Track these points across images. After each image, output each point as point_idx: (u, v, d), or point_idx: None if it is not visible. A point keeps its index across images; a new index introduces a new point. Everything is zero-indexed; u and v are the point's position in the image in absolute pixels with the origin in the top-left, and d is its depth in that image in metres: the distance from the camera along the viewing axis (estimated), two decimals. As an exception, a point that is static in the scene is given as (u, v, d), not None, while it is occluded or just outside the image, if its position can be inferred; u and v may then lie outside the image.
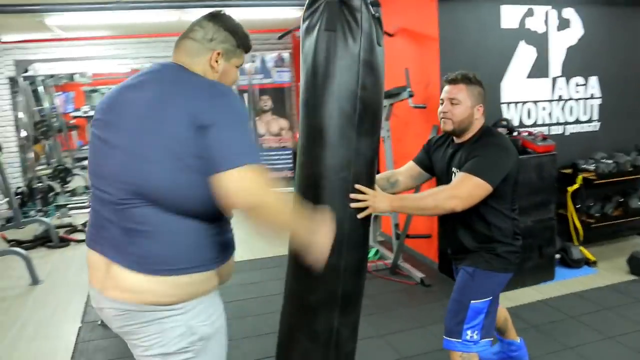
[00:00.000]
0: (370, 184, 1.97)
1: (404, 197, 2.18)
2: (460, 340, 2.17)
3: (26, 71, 6.56)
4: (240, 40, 1.64)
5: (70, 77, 11.20)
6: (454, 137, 2.29)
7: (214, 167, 1.39)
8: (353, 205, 1.89)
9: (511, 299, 3.56)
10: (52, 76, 9.21)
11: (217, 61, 1.58)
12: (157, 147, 1.41)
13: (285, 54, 7.34)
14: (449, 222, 2.26)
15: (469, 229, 2.22)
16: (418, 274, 4.05)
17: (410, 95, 3.93)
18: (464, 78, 2.20)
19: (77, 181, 7.97)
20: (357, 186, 1.90)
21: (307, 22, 1.93)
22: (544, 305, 3.56)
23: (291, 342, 2.04)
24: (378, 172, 2.19)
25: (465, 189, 2.06)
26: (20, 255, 4.55)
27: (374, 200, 1.93)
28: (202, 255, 1.52)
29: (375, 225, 4.81)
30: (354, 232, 1.94)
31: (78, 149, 12.61)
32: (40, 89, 8.28)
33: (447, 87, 2.24)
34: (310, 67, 1.90)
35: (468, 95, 2.19)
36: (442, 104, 2.25)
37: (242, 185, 1.40)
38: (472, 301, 2.16)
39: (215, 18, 1.62)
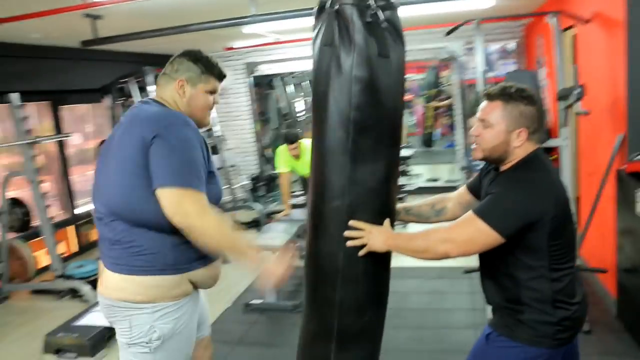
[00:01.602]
0: (376, 216, 1.75)
1: (398, 235, 1.77)
2: None
3: (252, 72, 7.33)
4: (205, 66, 1.86)
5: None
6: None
7: (153, 184, 1.65)
8: (349, 243, 1.72)
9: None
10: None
11: (182, 87, 1.84)
12: (117, 170, 1.71)
13: (511, 45, 6.60)
14: (480, 266, 1.82)
15: (494, 281, 1.76)
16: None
17: (578, 98, 3.15)
18: (501, 93, 1.68)
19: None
20: (352, 222, 1.71)
21: (314, 34, 1.77)
22: None
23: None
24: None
25: (464, 233, 1.65)
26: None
27: (369, 236, 1.71)
28: (164, 261, 1.73)
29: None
30: (351, 267, 1.76)
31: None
32: (291, 87, 9.55)
33: (481, 104, 1.75)
34: (312, 86, 1.82)
35: (504, 115, 1.67)
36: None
37: (174, 205, 1.63)
38: None
39: (183, 54, 1.88)
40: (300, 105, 10.63)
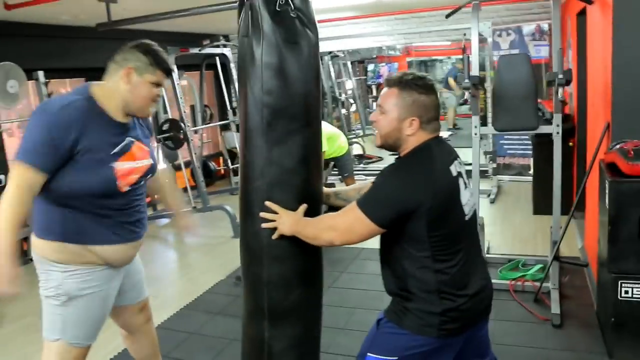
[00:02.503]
0: (296, 196, 1.84)
1: (302, 221, 1.80)
2: None
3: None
4: (153, 59, 1.98)
5: (379, 50, 12.18)
6: None
7: None
8: (263, 225, 1.82)
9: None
10: (350, 52, 10.33)
11: (128, 75, 1.96)
12: None
13: (545, 25, 6.37)
14: (379, 253, 1.85)
15: (388, 269, 1.78)
16: (557, 311, 3.24)
17: (560, 84, 3.08)
18: (398, 81, 1.70)
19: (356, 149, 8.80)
20: (267, 203, 1.81)
21: (238, 26, 1.90)
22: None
23: (243, 342, 2.09)
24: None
25: (346, 221, 1.70)
26: (225, 211, 5.44)
27: (280, 220, 1.79)
28: (58, 230, 1.95)
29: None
30: (275, 245, 1.85)
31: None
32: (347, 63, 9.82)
33: (382, 90, 1.79)
34: (237, 75, 1.97)
35: (397, 103, 1.69)
36: None
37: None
38: (369, 353, 1.77)
39: (135, 45, 2.00)
40: (349, 85, 10.78)
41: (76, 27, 5.13)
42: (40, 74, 4.52)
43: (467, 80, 3.50)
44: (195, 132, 7.09)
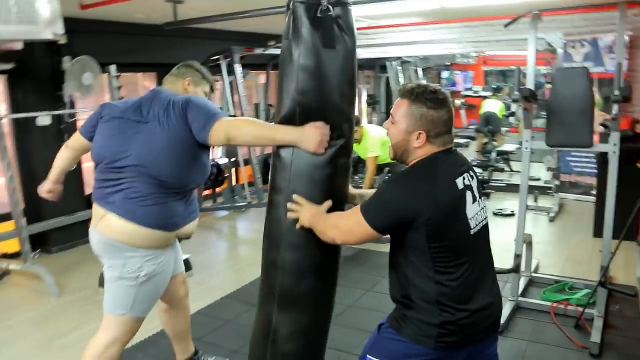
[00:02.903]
0: (319, 191, 1.92)
1: (319, 215, 1.85)
2: None
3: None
4: (203, 75, 2.47)
5: (453, 57, 11.92)
6: None
7: None
8: (288, 215, 1.91)
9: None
10: (422, 59, 10.20)
11: (189, 85, 2.40)
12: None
13: (626, 37, 6.05)
14: (389, 260, 1.86)
15: (393, 275, 1.80)
16: (597, 339, 3.10)
17: (616, 101, 2.94)
18: (410, 92, 1.72)
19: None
20: (295, 196, 1.90)
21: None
22: None
23: (255, 323, 2.17)
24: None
25: (348, 223, 1.77)
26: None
27: (302, 211, 1.87)
28: (157, 220, 2.17)
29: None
30: (293, 233, 1.94)
31: (465, 127, 13.46)
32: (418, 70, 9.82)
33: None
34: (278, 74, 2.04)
35: (406, 115, 1.71)
36: None
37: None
38: (368, 355, 1.79)
39: (186, 64, 2.46)
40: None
41: (147, 25, 5.42)
42: (113, 68, 4.82)
43: (516, 93, 3.42)
44: (258, 129, 7.26)
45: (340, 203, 1.99)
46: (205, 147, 2.22)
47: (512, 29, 4.23)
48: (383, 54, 7.96)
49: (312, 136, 1.86)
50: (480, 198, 1.80)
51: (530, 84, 3.53)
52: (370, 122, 9.73)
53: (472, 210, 1.72)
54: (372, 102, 9.99)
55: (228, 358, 3.06)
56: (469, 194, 1.72)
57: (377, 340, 1.81)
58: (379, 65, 9.81)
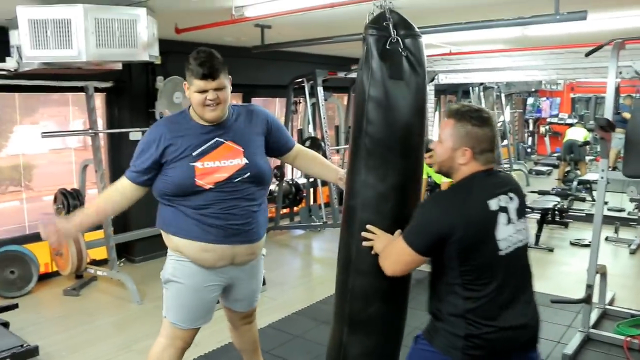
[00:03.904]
0: (385, 218, 1.96)
1: (388, 243, 1.89)
2: None
3: (432, 80, 7.44)
4: (190, 70, 2.14)
5: (539, 84, 11.56)
6: None
7: None
8: (364, 243, 1.95)
9: None
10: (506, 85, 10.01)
11: (188, 89, 2.20)
12: None
13: None
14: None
15: (430, 288, 1.86)
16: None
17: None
18: (455, 112, 1.79)
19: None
20: (369, 227, 1.95)
21: None
22: None
23: (329, 339, 2.22)
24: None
25: (393, 251, 1.82)
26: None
27: (376, 240, 1.92)
28: (163, 221, 2.31)
29: None
30: (360, 259, 1.99)
31: (549, 154, 12.99)
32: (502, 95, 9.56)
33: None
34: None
35: (452, 133, 1.77)
36: None
37: None
38: None
39: (189, 56, 2.17)
40: (502, 118, 10.46)
41: (236, 47, 5.68)
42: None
43: (592, 122, 3.31)
44: (337, 151, 7.39)
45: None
46: (170, 164, 2.20)
47: (597, 55, 4.09)
48: (465, 79, 7.86)
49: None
50: (520, 219, 1.80)
51: (608, 113, 3.41)
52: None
53: (505, 231, 1.74)
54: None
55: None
56: (502, 216, 1.74)
57: (413, 352, 1.88)
58: (461, 90, 9.71)
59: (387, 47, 1.90)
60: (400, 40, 1.90)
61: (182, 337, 2.34)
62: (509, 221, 1.76)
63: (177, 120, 2.28)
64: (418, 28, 2.00)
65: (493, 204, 1.73)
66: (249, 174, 2.23)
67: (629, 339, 3.41)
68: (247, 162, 2.24)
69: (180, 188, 2.18)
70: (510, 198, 1.79)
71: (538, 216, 6.09)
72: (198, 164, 2.17)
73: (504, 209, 1.75)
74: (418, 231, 1.74)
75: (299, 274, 5.49)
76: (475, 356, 1.72)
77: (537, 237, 5.91)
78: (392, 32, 1.90)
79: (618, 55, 3.56)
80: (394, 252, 1.81)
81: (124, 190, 2.26)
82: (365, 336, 2.06)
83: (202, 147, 2.19)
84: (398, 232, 1.90)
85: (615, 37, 3.59)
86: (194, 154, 2.18)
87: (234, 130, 2.27)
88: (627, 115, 10.01)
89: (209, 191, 2.17)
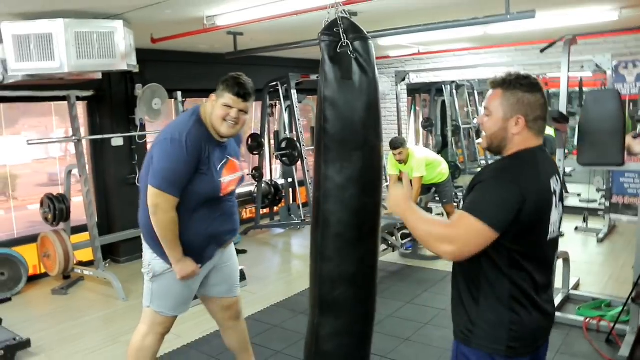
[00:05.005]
0: (345, 207, 2.15)
1: (408, 204, 1.75)
2: None
3: (403, 80, 7.73)
4: (225, 85, 2.41)
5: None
6: None
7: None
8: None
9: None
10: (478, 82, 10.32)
11: (214, 100, 2.43)
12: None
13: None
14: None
15: (461, 275, 1.71)
16: (625, 353, 3.18)
17: (640, 125, 3.07)
18: (502, 81, 1.66)
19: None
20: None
21: None
22: None
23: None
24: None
25: (459, 233, 1.56)
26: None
27: (391, 192, 1.83)
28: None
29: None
30: (325, 246, 2.20)
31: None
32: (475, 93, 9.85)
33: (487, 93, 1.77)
34: None
35: (502, 103, 1.65)
36: None
37: (148, 197, 2.36)
38: None
39: (224, 77, 2.46)
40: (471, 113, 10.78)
41: (210, 54, 5.93)
42: (179, 94, 5.34)
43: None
44: (312, 152, 7.62)
45: (368, 218, 2.19)
46: (199, 175, 2.40)
47: (552, 51, 4.38)
48: (435, 78, 8.17)
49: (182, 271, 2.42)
50: (558, 207, 1.71)
51: (562, 106, 3.69)
52: (426, 145, 9.91)
53: (553, 215, 1.67)
54: (428, 125, 10.16)
55: None
56: (554, 198, 1.66)
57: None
58: (435, 89, 10.00)
59: (338, 50, 2.09)
60: (350, 43, 2.08)
61: (163, 323, 2.58)
62: (556, 205, 1.68)
63: (203, 133, 2.41)
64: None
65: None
66: (241, 182, 2.64)
67: (588, 320, 3.66)
68: (242, 174, 2.63)
69: (205, 198, 2.44)
70: (557, 180, 1.70)
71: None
72: (222, 179, 2.46)
73: (554, 192, 1.67)
74: (496, 207, 1.54)
75: (279, 269, 5.72)
76: (516, 350, 1.63)
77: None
78: (342, 37, 2.08)
79: (570, 50, 3.82)
80: (462, 234, 1.55)
81: (174, 206, 2.38)
82: (334, 318, 2.21)
83: (222, 162, 2.47)
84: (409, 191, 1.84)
85: (569, 33, 3.86)
86: (218, 168, 2.46)
87: (231, 146, 2.57)
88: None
89: (217, 199, 2.48)
